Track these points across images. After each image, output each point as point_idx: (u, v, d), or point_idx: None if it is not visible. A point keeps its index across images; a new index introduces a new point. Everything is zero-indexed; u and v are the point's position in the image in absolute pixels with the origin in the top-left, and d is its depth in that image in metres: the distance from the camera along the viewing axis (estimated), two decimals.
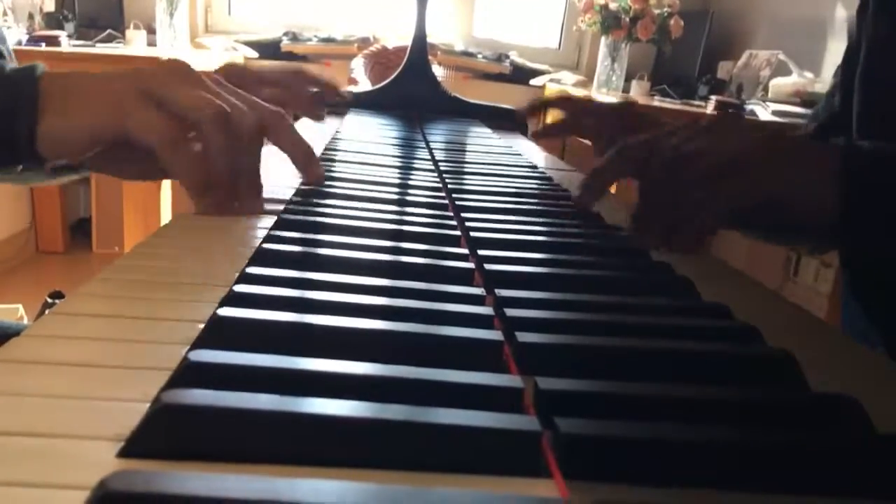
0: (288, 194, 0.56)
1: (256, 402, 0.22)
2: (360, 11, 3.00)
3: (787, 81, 2.29)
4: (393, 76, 1.24)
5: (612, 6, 2.61)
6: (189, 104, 0.47)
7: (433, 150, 0.87)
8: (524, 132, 1.21)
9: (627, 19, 2.59)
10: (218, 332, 0.29)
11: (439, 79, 1.27)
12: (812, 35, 2.39)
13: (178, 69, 0.49)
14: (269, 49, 2.85)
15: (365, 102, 1.22)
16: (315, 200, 0.53)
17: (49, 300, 1.82)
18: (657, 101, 2.50)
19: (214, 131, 0.47)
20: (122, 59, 2.21)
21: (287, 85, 0.72)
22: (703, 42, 2.70)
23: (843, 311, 0.79)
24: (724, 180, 0.48)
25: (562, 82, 2.89)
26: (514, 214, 0.57)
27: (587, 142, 0.82)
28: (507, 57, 2.99)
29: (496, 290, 0.37)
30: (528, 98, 2.81)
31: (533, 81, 2.96)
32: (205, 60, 2.52)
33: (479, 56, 2.96)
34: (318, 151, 0.76)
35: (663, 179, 0.51)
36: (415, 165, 0.76)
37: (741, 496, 0.23)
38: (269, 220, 0.48)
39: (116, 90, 0.47)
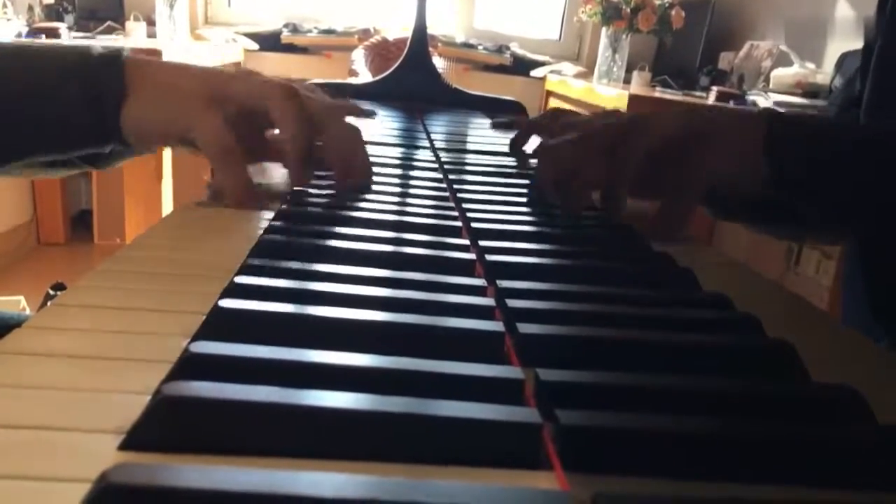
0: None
1: (257, 395, 0.22)
2: (361, 3, 2.99)
3: (788, 72, 2.28)
4: (393, 68, 1.23)
5: None
6: (257, 89, 0.51)
7: (434, 142, 0.86)
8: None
9: (628, 10, 2.58)
10: (219, 324, 0.29)
11: (440, 70, 1.26)
12: (813, 26, 2.38)
13: (250, 72, 0.54)
14: (269, 41, 2.84)
15: (365, 94, 1.21)
16: (316, 192, 0.53)
17: (51, 292, 1.82)
18: (658, 93, 2.49)
19: (285, 106, 0.50)
20: None
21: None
22: (704, 33, 2.69)
23: (844, 302, 0.79)
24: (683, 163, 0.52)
25: (562, 73, 2.88)
26: (515, 205, 0.56)
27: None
28: (508, 48, 2.98)
29: (497, 282, 0.36)
30: (528, 91, 2.81)
31: (534, 73, 2.95)
32: (204, 52, 2.52)
33: (480, 47, 2.95)
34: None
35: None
36: (416, 157, 0.76)
37: (742, 487, 0.23)
38: (270, 212, 0.48)
39: (188, 91, 0.50)
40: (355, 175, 0.56)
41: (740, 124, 0.54)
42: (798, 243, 1.90)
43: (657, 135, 0.53)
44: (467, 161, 0.77)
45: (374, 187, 0.57)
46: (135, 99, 0.49)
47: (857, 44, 2.09)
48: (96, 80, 0.48)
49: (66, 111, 0.48)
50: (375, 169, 0.64)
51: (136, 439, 0.22)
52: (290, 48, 2.86)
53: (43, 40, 2.17)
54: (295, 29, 2.87)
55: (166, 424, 0.22)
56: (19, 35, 2.19)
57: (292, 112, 0.51)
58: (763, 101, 2.13)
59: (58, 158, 0.51)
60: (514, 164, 0.78)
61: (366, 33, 2.81)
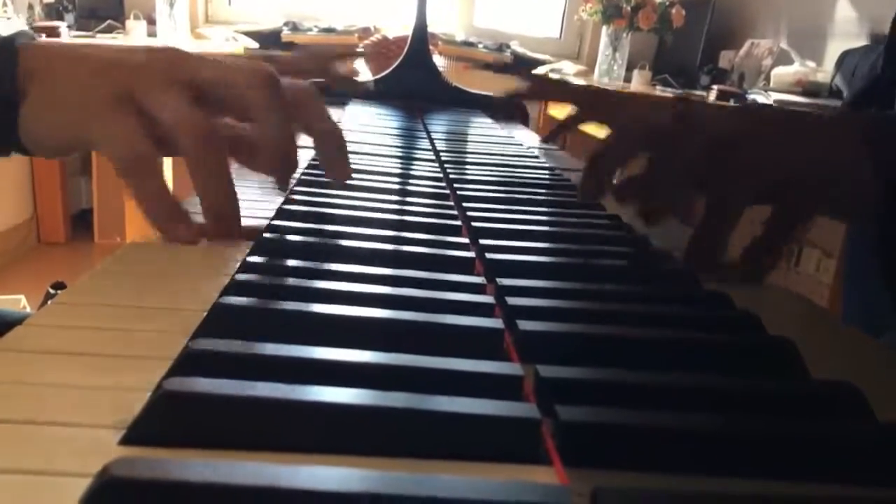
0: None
1: (257, 390, 0.23)
2: (361, 1, 2.99)
3: (788, 71, 2.28)
4: (393, 66, 1.23)
5: None
6: (225, 75, 0.40)
7: (434, 140, 0.86)
8: (525, 122, 1.21)
9: (629, 8, 2.58)
10: (219, 321, 0.29)
11: (440, 69, 1.26)
12: (814, 24, 2.38)
13: (172, 63, 0.39)
14: (269, 39, 2.84)
15: (366, 92, 1.21)
16: (316, 190, 0.53)
17: (51, 290, 1.82)
18: (658, 91, 2.49)
19: (263, 97, 0.39)
20: None
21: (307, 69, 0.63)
22: (704, 31, 2.69)
23: (845, 300, 0.79)
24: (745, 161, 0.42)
25: (563, 72, 2.88)
26: (514, 203, 0.56)
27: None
28: (508, 47, 2.98)
29: (497, 279, 0.37)
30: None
31: (534, 71, 2.95)
32: (204, 51, 2.51)
33: (480, 46, 2.94)
34: None
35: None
36: (416, 155, 0.76)
37: (741, 483, 0.23)
38: (271, 211, 0.48)
39: (92, 87, 0.38)
40: (336, 173, 0.45)
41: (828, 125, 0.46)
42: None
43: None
44: (467, 160, 0.77)
45: (375, 185, 0.57)
46: (33, 96, 0.39)
47: (858, 42, 2.10)
48: None
49: None
50: (376, 167, 0.64)
51: (136, 434, 0.22)
52: (291, 46, 2.85)
53: (42, 39, 2.17)
54: (295, 27, 2.86)
55: (167, 419, 0.22)
56: None
57: (273, 107, 0.40)
58: (763, 99, 2.12)
59: None
60: (515, 162, 0.78)
61: (366, 31, 2.81)
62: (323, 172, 0.56)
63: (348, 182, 0.46)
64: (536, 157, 0.84)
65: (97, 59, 0.39)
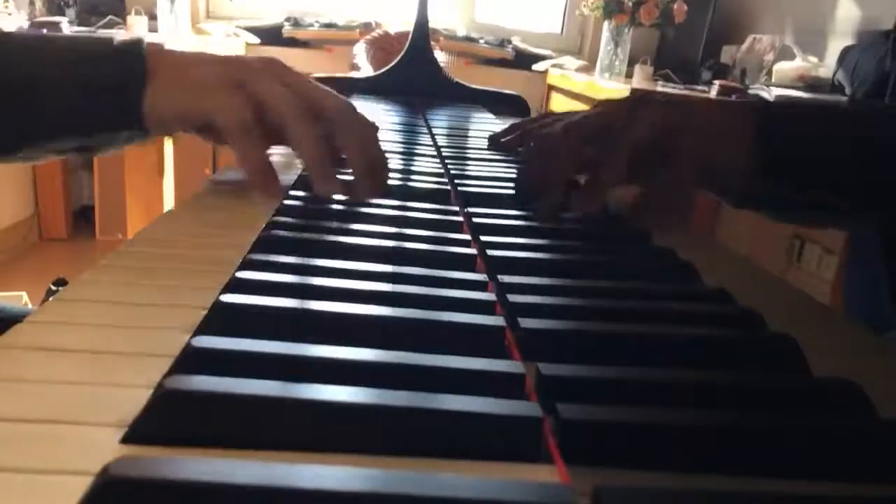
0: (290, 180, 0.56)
1: (259, 389, 0.23)
2: None
3: (790, 66, 2.28)
4: (395, 62, 1.23)
5: None
6: (274, 99, 0.50)
7: (435, 136, 0.86)
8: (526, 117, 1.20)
9: (630, 4, 2.57)
10: (220, 319, 0.29)
11: (441, 64, 1.26)
12: (816, 19, 2.37)
13: (274, 64, 0.53)
14: (270, 35, 2.84)
15: (367, 88, 1.21)
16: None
17: (53, 287, 1.83)
18: (660, 87, 2.49)
19: (299, 128, 0.49)
20: None
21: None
22: (706, 26, 2.68)
23: (846, 296, 0.79)
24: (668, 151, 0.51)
25: (564, 67, 2.87)
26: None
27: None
28: (510, 42, 2.98)
29: (498, 277, 0.36)
30: (530, 85, 2.81)
31: (535, 67, 2.95)
32: (206, 47, 2.51)
33: (482, 41, 2.94)
34: None
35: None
36: (417, 151, 0.76)
37: (742, 480, 0.23)
38: (271, 208, 0.48)
39: (210, 74, 0.50)
40: (374, 174, 0.53)
41: (728, 113, 0.54)
42: (820, 228, 1.88)
43: (644, 124, 0.52)
44: (469, 156, 0.77)
45: None
46: (156, 84, 0.50)
47: (860, 38, 2.09)
48: (119, 67, 0.50)
49: (90, 98, 0.49)
50: None
51: (137, 433, 0.22)
52: (292, 42, 2.85)
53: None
54: (296, 23, 2.86)
55: (168, 418, 0.22)
56: (20, 29, 2.19)
57: (307, 136, 0.49)
58: (765, 95, 2.12)
59: (73, 145, 0.52)
60: (517, 158, 0.77)
61: (367, 27, 2.80)
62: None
63: (348, 178, 0.52)
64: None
65: (216, 55, 0.53)
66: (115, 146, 0.55)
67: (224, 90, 0.49)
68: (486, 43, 2.94)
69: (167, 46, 0.53)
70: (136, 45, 0.51)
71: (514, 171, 0.69)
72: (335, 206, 0.48)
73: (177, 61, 0.52)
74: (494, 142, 0.81)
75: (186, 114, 0.51)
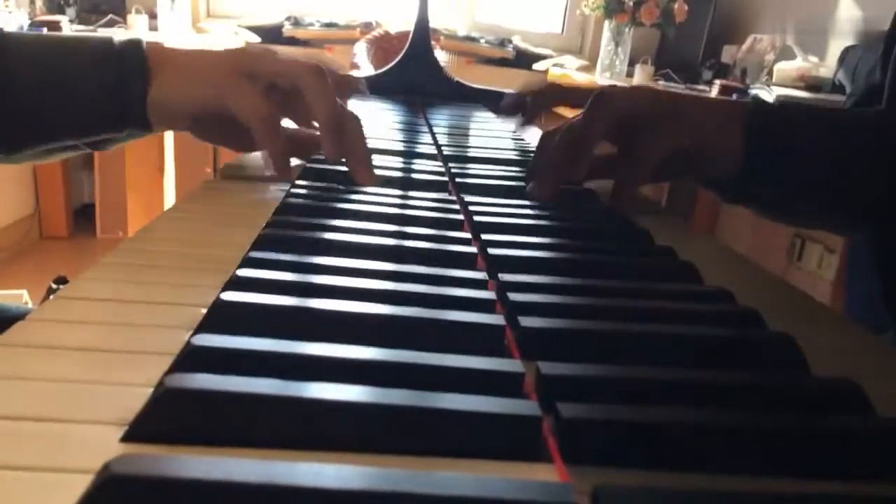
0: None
1: (259, 387, 0.23)
2: None
3: (791, 66, 2.27)
4: (395, 61, 1.23)
5: None
6: (287, 68, 0.52)
7: (436, 135, 0.86)
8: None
9: (631, 3, 2.57)
10: (221, 317, 0.29)
11: (442, 63, 1.26)
12: (816, 19, 2.37)
13: (268, 50, 0.55)
14: (271, 34, 2.84)
15: (367, 87, 1.21)
16: (318, 185, 0.53)
17: (53, 285, 1.82)
18: (661, 86, 2.48)
19: (315, 81, 0.52)
20: None
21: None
22: (707, 26, 2.68)
23: (846, 296, 0.79)
24: (643, 133, 0.53)
25: (565, 67, 2.87)
26: (516, 199, 0.56)
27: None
28: (510, 41, 2.98)
29: (499, 275, 0.37)
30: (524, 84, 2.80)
31: (536, 66, 2.94)
32: (206, 46, 2.51)
33: (482, 41, 2.94)
34: None
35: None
36: (417, 150, 0.76)
37: (742, 479, 0.23)
38: (272, 205, 0.48)
39: (217, 67, 0.52)
40: (356, 160, 0.56)
41: (716, 109, 0.56)
42: (805, 228, 1.89)
43: (620, 108, 0.54)
44: (469, 155, 0.77)
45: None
46: (160, 81, 0.51)
47: (861, 38, 2.09)
48: (121, 65, 0.51)
49: (93, 97, 0.50)
50: (378, 163, 0.64)
51: (138, 431, 0.22)
52: (292, 41, 2.85)
53: (43, 33, 2.16)
54: (297, 22, 2.86)
55: (169, 416, 0.22)
56: (20, 28, 2.19)
57: (323, 90, 0.52)
58: (766, 94, 2.12)
59: (75, 144, 0.53)
60: (517, 157, 0.77)
61: (368, 26, 2.80)
62: (324, 167, 0.57)
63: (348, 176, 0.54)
64: None
65: (217, 49, 0.54)
66: (117, 141, 0.56)
67: (236, 78, 0.51)
68: (487, 42, 2.94)
69: (168, 44, 0.55)
70: (136, 44, 0.52)
71: (513, 170, 0.69)
72: (335, 206, 0.48)
73: (178, 57, 0.53)
74: (504, 109, 0.91)
75: (197, 105, 0.52)
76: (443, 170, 0.65)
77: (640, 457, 0.23)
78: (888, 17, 0.68)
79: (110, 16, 2.56)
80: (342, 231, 0.42)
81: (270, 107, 0.51)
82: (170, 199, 2.41)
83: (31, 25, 2.24)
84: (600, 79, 2.55)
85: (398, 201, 0.51)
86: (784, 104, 0.60)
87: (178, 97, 0.52)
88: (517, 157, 0.77)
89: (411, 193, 0.54)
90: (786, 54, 2.37)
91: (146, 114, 0.52)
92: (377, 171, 0.59)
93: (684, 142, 0.53)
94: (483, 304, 0.33)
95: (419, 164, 0.68)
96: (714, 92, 2.25)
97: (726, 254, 0.50)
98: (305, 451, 0.22)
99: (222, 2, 2.96)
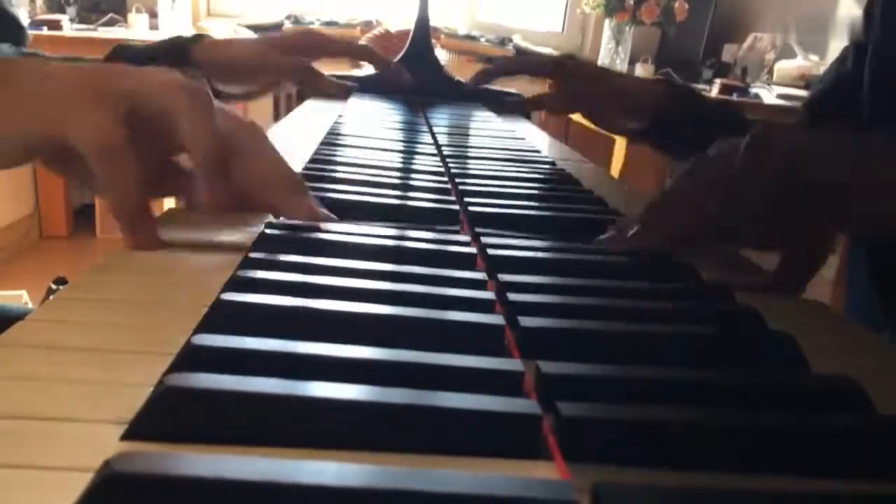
0: None
1: (259, 386, 0.23)
2: None
3: (791, 65, 2.28)
4: (396, 60, 1.23)
5: None
6: (155, 89, 0.39)
7: (436, 134, 0.86)
8: (527, 116, 1.20)
9: (631, 2, 2.57)
10: (221, 316, 0.29)
11: (442, 63, 1.26)
12: (817, 18, 2.37)
13: (134, 68, 0.41)
14: (271, 33, 2.84)
15: (368, 86, 1.21)
16: (318, 185, 0.53)
17: (53, 286, 1.83)
18: None
19: (187, 104, 0.39)
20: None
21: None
22: (707, 25, 2.68)
23: (847, 295, 0.79)
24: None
25: None
26: (516, 199, 0.56)
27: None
28: (511, 41, 2.98)
29: (498, 275, 0.37)
30: (531, 83, 2.81)
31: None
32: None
33: (483, 40, 2.94)
34: (320, 136, 0.76)
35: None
36: (417, 149, 0.76)
37: (741, 478, 0.23)
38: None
39: (65, 84, 0.38)
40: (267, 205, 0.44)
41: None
42: None
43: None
44: (469, 154, 0.77)
45: (376, 180, 0.57)
46: None
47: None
48: None
49: None
50: (378, 162, 0.64)
51: (138, 429, 0.22)
52: None
53: (44, 32, 2.17)
54: (297, 21, 2.86)
55: (169, 415, 0.22)
56: None
57: (198, 117, 0.39)
58: (766, 93, 2.12)
59: None
60: (517, 157, 0.78)
61: (368, 25, 2.80)
62: (323, 168, 0.57)
63: (348, 176, 0.51)
64: (538, 150, 0.84)
65: (73, 65, 0.39)
66: None
67: (85, 98, 0.37)
68: (487, 41, 2.94)
69: (8, 57, 0.42)
70: None
71: (513, 170, 0.69)
72: (337, 205, 0.48)
73: (20, 71, 0.39)
74: (477, 81, 0.93)
75: (29, 140, 0.38)
76: (443, 169, 0.65)
77: (640, 455, 0.23)
78: None
79: (111, 15, 2.56)
80: (342, 231, 0.42)
81: (117, 134, 0.36)
82: (169, 200, 2.41)
83: (31, 24, 2.24)
84: None
85: (398, 201, 0.51)
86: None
87: (7, 126, 0.37)
88: (517, 157, 0.77)
89: (411, 193, 0.54)
90: (786, 53, 2.38)
91: None
92: (377, 171, 0.59)
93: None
94: (483, 304, 0.33)
95: (419, 163, 0.68)
96: (714, 91, 2.25)
97: (725, 252, 0.50)
98: (305, 449, 0.22)
99: (223, 0, 2.96)
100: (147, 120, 0.39)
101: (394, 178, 0.59)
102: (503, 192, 0.58)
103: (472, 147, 0.82)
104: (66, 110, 0.37)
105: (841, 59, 0.76)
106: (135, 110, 0.38)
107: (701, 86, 2.49)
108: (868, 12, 0.71)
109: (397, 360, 0.26)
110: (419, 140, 0.82)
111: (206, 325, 0.29)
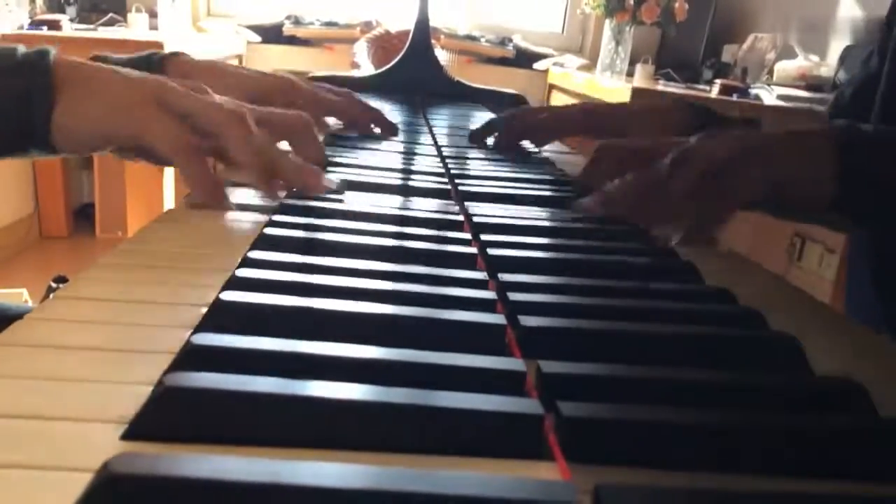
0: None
1: (259, 386, 0.23)
2: None
3: (792, 65, 2.27)
4: (395, 60, 1.23)
5: None
6: (206, 112, 0.48)
7: (436, 135, 0.86)
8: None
9: (632, 2, 2.57)
10: (221, 316, 0.29)
11: (442, 63, 1.26)
12: (817, 18, 2.37)
13: (196, 88, 0.50)
14: (271, 33, 2.84)
15: (367, 87, 1.21)
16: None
17: (53, 285, 1.82)
18: (661, 86, 2.48)
19: (234, 130, 0.48)
20: (123, 44, 2.20)
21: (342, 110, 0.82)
22: (707, 25, 2.68)
23: (847, 296, 0.79)
24: (729, 179, 0.48)
25: (565, 66, 2.87)
26: (516, 199, 0.56)
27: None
28: (511, 41, 2.97)
29: (499, 275, 0.36)
30: (531, 83, 2.81)
31: (536, 65, 2.94)
32: (207, 44, 2.51)
33: (483, 40, 2.94)
34: (319, 137, 0.76)
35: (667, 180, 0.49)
36: (418, 150, 0.76)
37: (743, 479, 0.23)
38: (272, 206, 0.48)
39: (135, 96, 0.46)
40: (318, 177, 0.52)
41: (804, 143, 0.51)
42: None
43: (712, 160, 0.48)
44: (469, 155, 0.77)
45: (376, 181, 0.57)
46: (66, 100, 0.45)
47: (861, 37, 2.09)
48: (22, 80, 0.44)
49: None
50: (378, 163, 0.64)
51: (138, 429, 0.22)
52: (293, 40, 2.85)
53: (44, 32, 2.16)
54: (297, 21, 2.86)
55: (169, 415, 0.22)
56: (21, 27, 2.19)
57: (242, 141, 0.48)
58: (767, 94, 2.12)
59: None
60: (517, 157, 0.77)
61: (368, 25, 2.80)
62: (327, 168, 0.57)
63: (348, 177, 0.52)
64: (538, 152, 0.84)
65: (137, 74, 0.49)
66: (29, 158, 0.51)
67: (154, 108, 0.46)
68: (487, 41, 2.94)
69: (81, 60, 0.48)
70: (41, 55, 0.46)
71: (513, 171, 0.69)
72: (336, 206, 0.48)
73: (90, 76, 0.47)
74: (475, 139, 0.84)
75: (107, 134, 0.47)
76: (443, 170, 0.65)
77: (641, 455, 0.23)
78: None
79: (111, 14, 2.56)
80: (341, 231, 0.42)
81: (190, 135, 0.47)
82: (169, 200, 2.41)
83: (31, 24, 2.23)
84: (601, 78, 2.55)
85: (399, 202, 0.51)
86: (876, 132, 0.55)
87: (88, 123, 0.46)
88: (517, 157, 0.77)
89: (411, 194, 0.54)
90: (787, 53, 2.37)
91: (49, 135, 0.46)
92: (377, 171, 0.59)
93: (774, 181, 0.48)
94: (484, 303, 0.33)
95: (419, 163, 0.68)
96: (714, 92, 2.25)
97: (727, 254, 0.50)
98: (305, 449, 0.22)
99: (223, 1, 2.96)
100: (202, 131, 0.48)
101: (393, 178, 0.59)
102: (503, 193, 0.57)
103: (471, 147, 0.82)
104: (147, 121, 0.46)
105: (865, 60, 0.76)
106: (193, 122, 0.48)
107: (701, 86, 2.49)
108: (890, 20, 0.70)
109: (398, 360, 0.26)
110: (419, 141, 0.82)
111: (205, 324, 0.29)
